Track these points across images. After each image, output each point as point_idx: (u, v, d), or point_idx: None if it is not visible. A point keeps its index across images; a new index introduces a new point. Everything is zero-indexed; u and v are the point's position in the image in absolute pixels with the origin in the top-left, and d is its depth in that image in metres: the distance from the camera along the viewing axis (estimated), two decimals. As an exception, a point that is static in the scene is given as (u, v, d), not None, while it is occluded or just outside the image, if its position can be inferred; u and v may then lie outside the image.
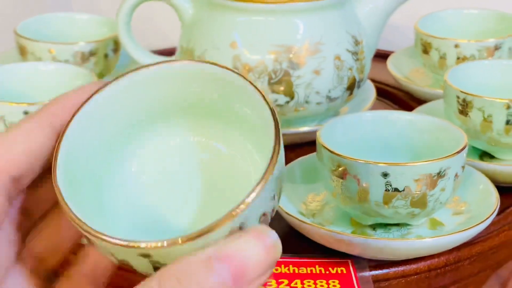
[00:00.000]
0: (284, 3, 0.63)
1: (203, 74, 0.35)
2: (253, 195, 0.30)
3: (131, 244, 0.30)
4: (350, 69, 0.65)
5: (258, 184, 0.30)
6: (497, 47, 0.73)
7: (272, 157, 0.31)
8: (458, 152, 0.51)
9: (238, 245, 0.29)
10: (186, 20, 0.68)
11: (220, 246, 0.29)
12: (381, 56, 0.84)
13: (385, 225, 0.54)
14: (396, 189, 0.50)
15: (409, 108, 0.75)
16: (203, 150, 0.38)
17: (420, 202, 0.50)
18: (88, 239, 0.32)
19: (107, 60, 0.75)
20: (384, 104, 0.78)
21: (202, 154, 0.38)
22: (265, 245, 0.30)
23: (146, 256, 0.30)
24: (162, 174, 0.38)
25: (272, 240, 0.30)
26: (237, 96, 0.35)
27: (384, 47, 0.83)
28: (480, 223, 0.51)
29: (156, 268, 0.31)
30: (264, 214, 0.32)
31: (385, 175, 0.49)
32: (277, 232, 0.55)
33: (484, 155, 0.63)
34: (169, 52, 0.86)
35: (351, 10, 0.67)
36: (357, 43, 0.66)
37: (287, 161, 0.64)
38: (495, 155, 0.63)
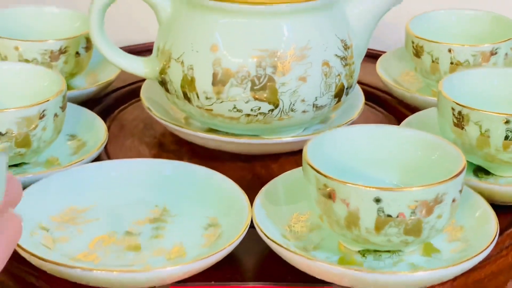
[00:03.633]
0: (269, 4, 0.58)
1: None
2: None
3: None
4: (339, 75, 0.61)
5: None
6: (493, 53, 0.69)
7: None
8: (456, 176, 0.47)
9: None
10: (163, 19, 0.63)
11: None
12: (371, 56, 0.80)
13: (376, 251, 0.50)
14: (389, 216, 0.46)
15: (399, 114, 0.72)
16: None
17: (414, 230, 0.46)
18: None
19: (78, 58, 0.70)
20: (373, 110, 0.74)
21: None
22: None
23: None
24: None
25: None
26: None
27: (374, 46, 0.79)
28: (477, 255, 0.47)
29: None
30: None
31: (377, 200, 0.45)
32: (257, 256, 0.52)
33: (478, 170, 0.60)
34: (147, 48, 0.81)
35: (340, 11, 0.62)
36: (346, 47, 0.61)
37: (270, 173, 0.61)
38: (491, 171, 0.59)
